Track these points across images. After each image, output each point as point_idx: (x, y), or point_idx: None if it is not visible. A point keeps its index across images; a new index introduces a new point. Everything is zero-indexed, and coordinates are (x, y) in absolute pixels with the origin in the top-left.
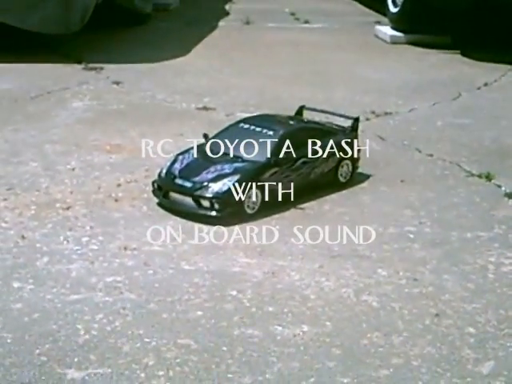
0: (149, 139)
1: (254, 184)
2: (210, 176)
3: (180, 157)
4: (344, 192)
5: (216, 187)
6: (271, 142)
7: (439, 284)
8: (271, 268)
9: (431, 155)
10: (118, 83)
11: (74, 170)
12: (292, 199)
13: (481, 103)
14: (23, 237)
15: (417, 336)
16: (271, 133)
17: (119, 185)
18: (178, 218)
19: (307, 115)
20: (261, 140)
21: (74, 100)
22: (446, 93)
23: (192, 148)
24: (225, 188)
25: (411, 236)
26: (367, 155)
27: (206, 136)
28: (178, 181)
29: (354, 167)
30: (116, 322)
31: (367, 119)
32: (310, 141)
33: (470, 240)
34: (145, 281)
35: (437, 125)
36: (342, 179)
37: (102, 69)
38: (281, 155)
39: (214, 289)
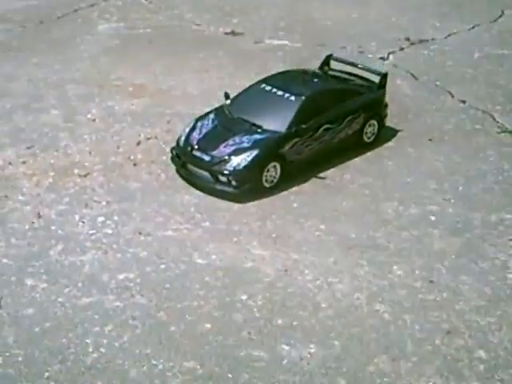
0: (172, 77)
1: (273, 157)
2: (227, 150)
3: (199, 123)
4: (368, 154)
5: (234, 163)
6: (292, 109)
7: (455, 288)
8: (284, 263)
9: (464, 102)
10: None
11: (94, 120)
12: (313, 167)
13: None
14: (39, 215)
15: (425, 361)
16: (293, 98)
17: (139, 143)
18: (195, 191)
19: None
20: (282, 106)
21: (100, 21)
22: (487, 11)
23: (212, 112)
24: (243, 164)
25: (433, 218)
26: (397, 101)
27: (227, 95)
28: (196, 153)
29: (380, 125)
30: (125, 336)
31: (401, 49)
32: (333, 105)
33: (493, 225)
34: (156, 280)
35: (473, 57)
36: (367, 139)
37: None
38: (302, 125)
39: (224, 292)
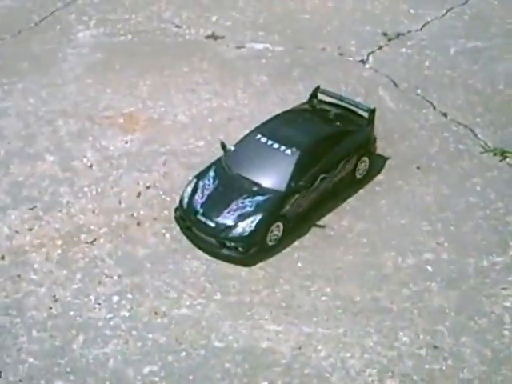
0: (161, 101)
1: (276, 219)
2: (232, 216)
3: (200, 183)
4: (361, 192)
5: (239, 229)
6: (289, 164)
7: (458, 353)
8: (298, 339)
9: (445, 115)
10: None
11: (91, 166)
12: (311, 214)
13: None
14: (55, 298)
15: None
16: (289, 152)
17: (139, 194)
18: (202, 255)
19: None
20: (279, 162)
21: (79, 26)
22: None
23: (211, 168)
24: (248, 230)
25: (429, 269)
26: (382, 119)
27: (223, 146)
28: (201, 218)
29: (371, 159)
30: None
31: (380, 48)
32: (328, 151)
33: (486, 271)
34: (179, 371)
35: (450, 53)
36: (359, 176)
37: None
38: (300, 180)
39: (245, 380)
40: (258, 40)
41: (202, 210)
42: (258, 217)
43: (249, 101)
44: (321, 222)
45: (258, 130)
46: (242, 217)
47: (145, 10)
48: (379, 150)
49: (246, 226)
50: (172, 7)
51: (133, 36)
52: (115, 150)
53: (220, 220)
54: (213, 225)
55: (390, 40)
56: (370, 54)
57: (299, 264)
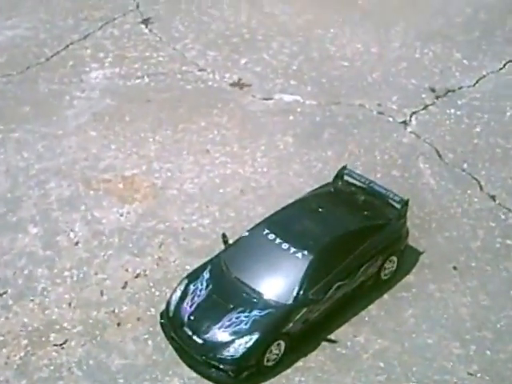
0: (168, 164)
1: (276, 338)
2: (223, 333)
3: (191, 287)
4: (385, 298)
5: (231, 350)
6: (299, 272)
7: None
8: None
9: (493, 198)
10: (147, 23)
11: (77, 244)
12: (321, 325)
13: None
14: None
15: None
16: (299, 255)
17: (125, 285)
18: (186, 374)
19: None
20: (287, 267)
21: (93, 64)
22: None
23: (206, 268)
24: (241, 351)
25: None
26: (419, 198)
27: (225, 240)
28: (187, 331)
29: (401, 258)
30: None
31: (425, 107)
32: (348, 253)
33: None
34: None
35: (505, 118)
36: (384, 277)
37: None
38: (311, 291)
39: None
40: (288, 91)
41: (189, 323)
42: (254, 337)
43: (268, 168)
44: (332, 336)
45: (266, 223)
46: (236, 335)
47: (168, 48)
48: (411, 241)
49: (239, 346)
50: (198, 46)
51: (150, 79)
52: (107, 224)
53: (209, 337)
54: (200, 341)
55: (437, 98)
56: (413, 114)
57: None
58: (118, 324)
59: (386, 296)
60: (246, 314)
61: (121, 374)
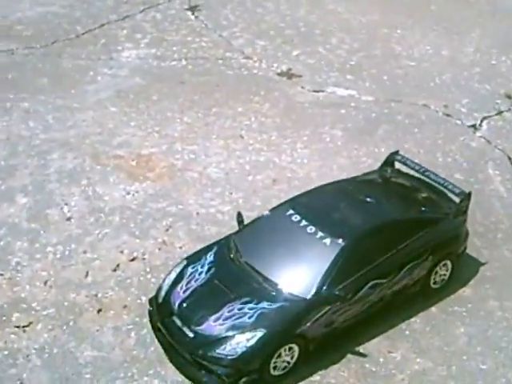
0: (193, 146)
1: (288, 340)
2: (220, 326)
3: (189, 269)
4: (432, 310)
5: (227, 348)
6: (324, 261)
7: None
8: None
9: None
10: (194, 10)
11: (69, 219)
12: (348, 334)
13: None
14: None
15: None
16: (327, 241)
17: (117, 267)
18: (170, 377)
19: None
20: (310, 255)
21: (127, 44)
22: None
23: (211, 250)
24: (240, 350)
25: None
26: (486, 207)
27: (239, 219)
28: (176, 321)
29: (456, 264)
30: None
31: (499, 112)
32: (388, 247)
33: None
34: None
35: None
36: (434, 286)
37: None
38: (337, 286)
39: None
40: (344, 85)
41: (180, 311)
42: (259, 334)
43: (309, 160)
44: (361, 349)
45: (291, 202)
46: (236, 330)
47: (213, 35)
48: (472, 251)
49: (239, 344)
50: (247, 35)
51: (188, 62)
52: (110, 202)
53: (202, 329)
54: (191, 334)
55: None
56: (484, 118)
57: None
58: (99, 310)
59: (433, 309)
60: (252, 305)
61: (89, 368)
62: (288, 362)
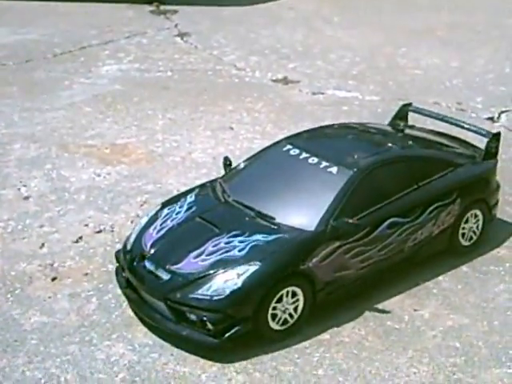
0: (176, 136)
1: (289, 279)
2: (203, 262)
3: (165, 211)
4: (464, 270)
5: (212, 287)
6: (332, 189)
7: None
8: None
9: None
10: (183, 36)
11: (27, 198)
12: (366, 289)
13: None
14: None
15: None
16: (334, 170)
17: (79, 239)
18: (139, 340)
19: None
20: (314, 185)
21: (109, 60)
22: None
23: (191, 192)
24: (228, 289)
25: None
26: None
27: (226, 163)
28: (148, 265)
29: (487, 218)
30: None
31: None
32: (407, 184)
33: None
34: None
35: None
36: (464, 242)
37: (175, 12)
38: (347, 218)
39: None
40: (346, 88)
41: (152, 251)
42: (253, 268)
43: None
44: (383, 305)
45: (287, 139)
46: (223, 265)
47: (203, 53)
48: (504, 217)
49: (227, 281)
50: (239, 52)
51: (174, 73)
52: (76, 183)
53: (179, 267)
54: (166, 276)
55: None
56: (502, 112)
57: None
58: (53, 279)
59: (464, 268)
60: (243, 238)
61: (36, 335)
62: (291, 315)
